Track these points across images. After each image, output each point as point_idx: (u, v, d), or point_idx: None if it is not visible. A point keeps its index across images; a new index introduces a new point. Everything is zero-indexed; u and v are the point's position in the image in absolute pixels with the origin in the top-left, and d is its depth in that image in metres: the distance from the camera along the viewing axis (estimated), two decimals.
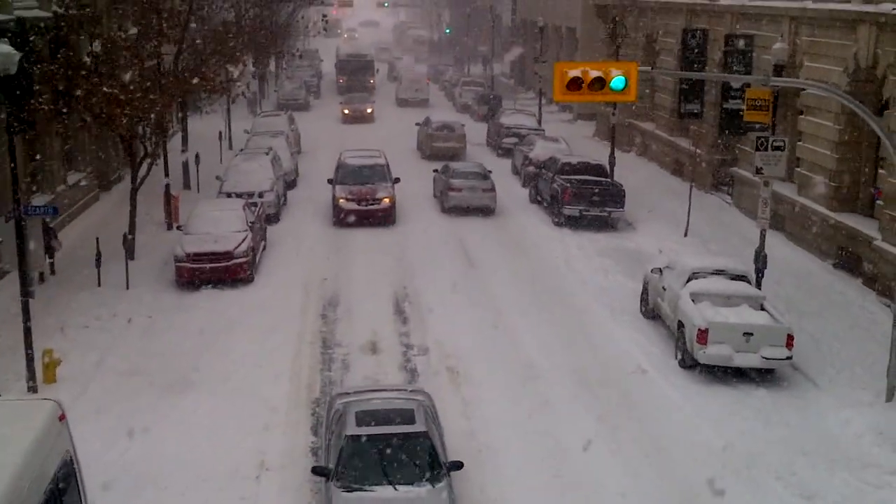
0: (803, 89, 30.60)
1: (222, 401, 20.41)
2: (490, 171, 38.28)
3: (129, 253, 28.33)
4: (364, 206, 34.47)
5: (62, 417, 12.03)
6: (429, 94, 69.66)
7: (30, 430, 11.18)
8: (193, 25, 36.27)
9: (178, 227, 30.58)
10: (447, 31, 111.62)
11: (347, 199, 34.55)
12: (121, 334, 24.11)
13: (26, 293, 20.67)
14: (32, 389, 20.34)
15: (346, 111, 61.20)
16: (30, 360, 20.37)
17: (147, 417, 19.54)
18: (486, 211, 36.74)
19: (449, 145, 47.10)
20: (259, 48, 56.24)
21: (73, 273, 28.16)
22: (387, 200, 34.79)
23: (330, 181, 36.19)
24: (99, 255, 27.06)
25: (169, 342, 23.69)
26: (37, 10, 29.32)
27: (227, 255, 27.69)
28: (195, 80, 33.16)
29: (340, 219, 34.54)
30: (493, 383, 21.47)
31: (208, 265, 27.59)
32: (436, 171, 39.85)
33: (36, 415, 11.59)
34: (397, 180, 35.93)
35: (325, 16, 68.00)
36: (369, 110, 61.76)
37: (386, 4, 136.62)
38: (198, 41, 36.61)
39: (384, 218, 34.57)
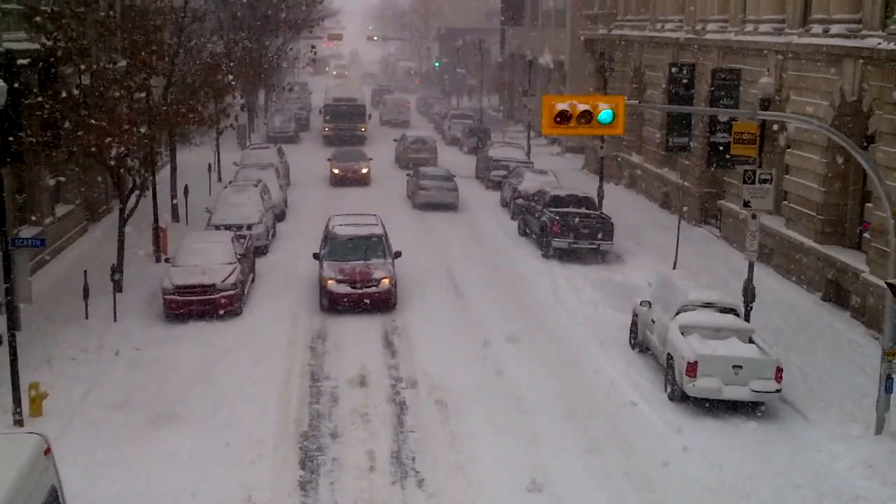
0: (790, 123, 30.82)
1: (209, 434, 20.26)
2: (455, 175, 45.27)
3: (117, 285, 28.22)
4: (358, 289, 28.38)
5: (48, 451, 11.95)
6: (409, 116, 78.18)
7: (15, 463, 11.09)
8: (182, 58, 36.30)
9: (167, 260, 30.51)
10: (436, 64, 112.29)
11: (338, 281, 28.47)
12: (108, 367, 23.97)
13: (13, 326, 20.56)
14: (18, 422, 20.20)
15: (336, 171, 50.25)
16: (16, 392, 20.23)
17: (133, 451, 19.39)
18: (450, 207, 43.27)
19: (422, 156, 54.45)
20: (248, 81, 56.42)
21: (61, 305, 28.04)
22: (386, 281, 28.60)
23: (316, 256, 30.03)
24: (87, 287, 26.96)
25: (156, 375, 23.55)
26: (25, 43, 29.35)
27: (215, 288, 27.61)
28: (184, 112, 33.19)
29: (329, 304, 28.57)
30: (481, 416, 21.38)
31: (196, 297, 27.49)
32: (408, 174, 47.00)
33: (21, 448, 11.51)
34: (398, 254, 30.01)
35: (313, 47, 67.68)
36: (364, 170, 50.56)
37: (376, 38, 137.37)
38: (188, 78, 36.69)
39: (383, 303, 28.63)
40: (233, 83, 39.08)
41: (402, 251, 30.35)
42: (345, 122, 65.15)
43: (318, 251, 30.20)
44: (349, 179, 49.52)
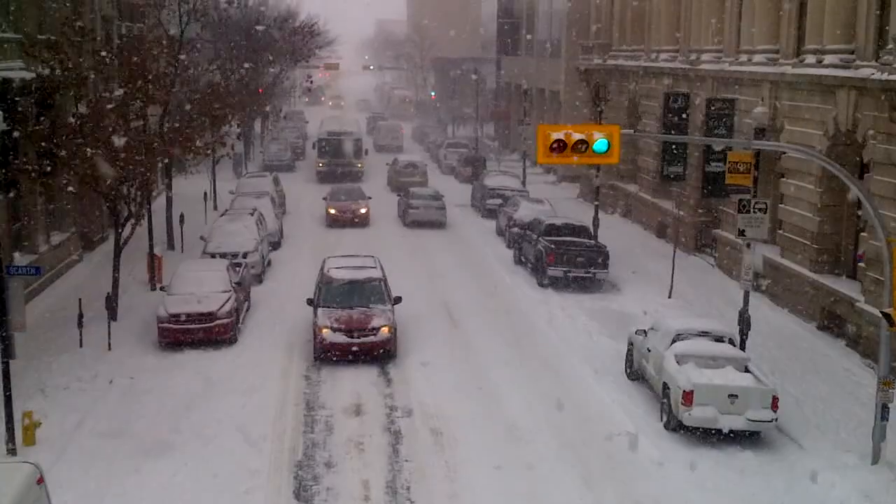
0: (784, 152, 30.95)
1: (203, 463, 20.16)
2: (443, 196, 47.64)
3: (112, 313, 28.17)
4: (356, 339, 26.42)
5: (40, 480, 11.90)
6: (402, 141, 79.37)
7: (7, 492, 11.04)
8: (176, 88, 36.37)
9: (162, 288, 30.48)
10: (432, 93, 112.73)
11: (333, 329, 26.51)
12: (101, 396, 23.87)
13: (7, 354, 20.48)
14: (11, 451, 20.06)
15: (332, 211, 47.05)
16: (9, 421, 20.13)
17: (127, 480, 19.30)
18: (437, 224, 45.72)
19: (413, 179, 55.90)
20: (245, 110, 56.59)
21: (55, 334, 27.96)
22: (385, 330, 26.63)
23: (310, 302, 28.16)
24: (81, 315, 26.90)
25: (150, 404, 23.46)
26: (22, 71, 29.43)
27: (210, 316, 27.56)
28: (180, 141, 33.24)
29: (324, 354, 26.66)
30: (476, 445, 21.31)
31: (191, 326, 27.43)
32: (399, 194, 49.60)
33: (14, 477, 11.46)
34: (398, 300, 28.11)
35: (310, 76, 67.94)
36: (363, 210, 47.43)
37: (371, 68, 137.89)
38: (185, 106, 36.74)
39: (381, 353, 26.72)
40: (229, 112, 39.06)
41: (399, 280, 30.35)
42: (340, 158, 61.54)
43: (311, 296, 28.33)
44: (347, 220, 46.48)
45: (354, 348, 26.37)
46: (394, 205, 50.15)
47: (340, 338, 26.45)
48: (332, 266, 29.38)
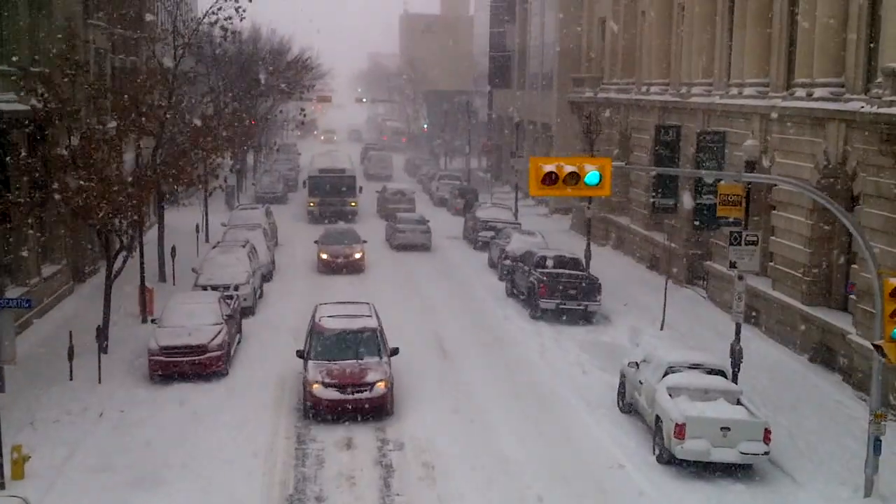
0: (775, 185, 31.06)
1: (194, 498, 20.04)
2: (429, 221, 50.07)
3: (103, 346, 28.06)
4: (350, 395, 24.49)
5: None
6: (392, 170, 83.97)
7: None
8: (169, 120, 36.45)
9: (153, 320, 30.38)
10: (424, 125, 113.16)
11: (325, 385, 24.50)
12: (91, 429, 23.74)
13: None
14: (0, 485, 19.93)
15: (325, 256, 43.42)
16: None
17: None
18: (423, 247, 48.22)
19: (401, 206, 57.70)
20: (237, 143, 56.67)
21: (46, 366, 27.82)
22: (381, 385, 24.63)
23: (300, 354, 26.12)
24: (71, 348, 26.80)
25: (140, 437, 23.31)
26: (16, 104, 29.50)
27: (202, 349, 27.47)
28: (173, 173, 33.28)
29: (314, 412, 24.71)
30: (468, 479, 21.21)
31: (182, 359, 27.33)
32: (387, 220, 52.78)
33: None
34: (395, 351, 26.21)
35: (303, 109, 67.70)
36: (358, 255, 43.62)
37: (364, 100, 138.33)
38: (178, 138, 36.80)
39: (377, 410, 24.80)
40: (222, 145, 39.13)
41: (390, 312, 30.21)
42: (333, 197, 58.10)
43: (301, 348, 26.39)
44: (340, 265, 43.01)
45: (348, 405, 24.46)
46: (382, 229, 52.50)
47: (332, 394, 24.49)
48: (324, 314, 27.36)
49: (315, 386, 24.48)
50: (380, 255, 47.05)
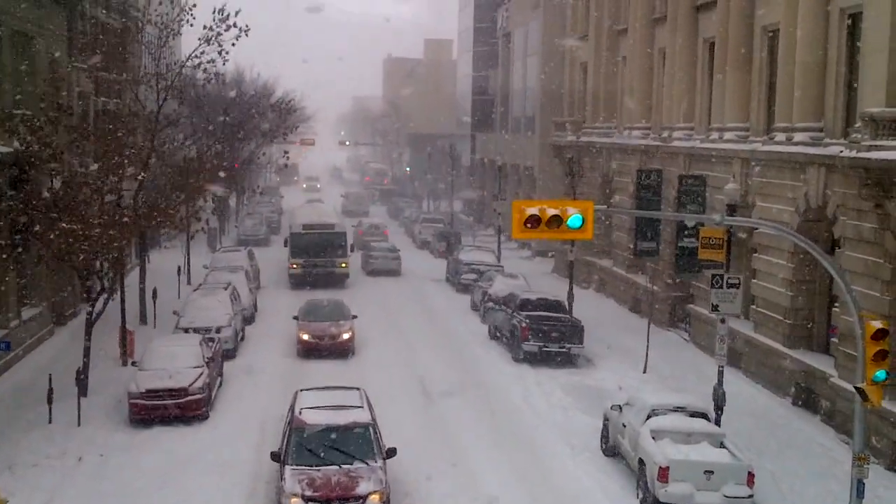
0: (756, 228, 31.24)
1: None
2: (399, 250, 56.61)
3: (83, 389, 27.82)
4: None
5: None
6: (369, 207, 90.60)
7: None
8: (153, 160, 36.44)
9: (133, 363, 30.16)
10: (407, 168, 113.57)
11: (306, 499, 20.04)
12: (70, 474, 23.47)
13: None
14: None
15: (305, 337, 35.14)
16: None
17: None
18: (393, 272, 53.86)
19: (375, 238, 63.10)
20: (220, 185, 56.55)
21: (25, 410, 27.56)
22: (375, 498, 20.26)
23: (275, 457, 21.54)
24: (51, 390, 26.55)
25: (120, 482, 23.07)
26: None
27: (183, 392, 27.27)
28: (155, 216, 33.21)
29: None
30: None
31: (163, 402, 27.12)
32: (362, 250, 57.26)
33: None
34: (392, 453, 21.70)
35: (286, 152, 67.76)
36: (346, 335, 35.26)
37: (347, 143, 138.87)
38: (160, 181, 36.76)
39: None
40: (204, 187, 39.10)
41: (373, 352, 30.03)
42: (319, 257, 49.17)
43: (276, 449, 21.88)
44: (324, 348, 34.93)
45: None
46: (358, 258, 55.74)
47: None
48: (305, 405, 22.67)
49: (294, 500, 19.94)
50: (361, 291, 47.62)
